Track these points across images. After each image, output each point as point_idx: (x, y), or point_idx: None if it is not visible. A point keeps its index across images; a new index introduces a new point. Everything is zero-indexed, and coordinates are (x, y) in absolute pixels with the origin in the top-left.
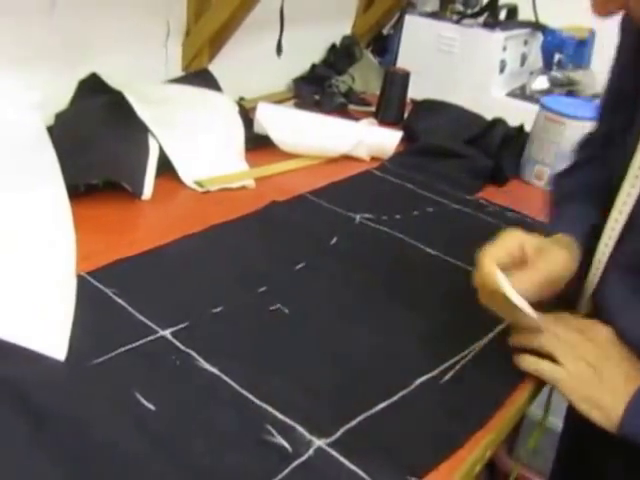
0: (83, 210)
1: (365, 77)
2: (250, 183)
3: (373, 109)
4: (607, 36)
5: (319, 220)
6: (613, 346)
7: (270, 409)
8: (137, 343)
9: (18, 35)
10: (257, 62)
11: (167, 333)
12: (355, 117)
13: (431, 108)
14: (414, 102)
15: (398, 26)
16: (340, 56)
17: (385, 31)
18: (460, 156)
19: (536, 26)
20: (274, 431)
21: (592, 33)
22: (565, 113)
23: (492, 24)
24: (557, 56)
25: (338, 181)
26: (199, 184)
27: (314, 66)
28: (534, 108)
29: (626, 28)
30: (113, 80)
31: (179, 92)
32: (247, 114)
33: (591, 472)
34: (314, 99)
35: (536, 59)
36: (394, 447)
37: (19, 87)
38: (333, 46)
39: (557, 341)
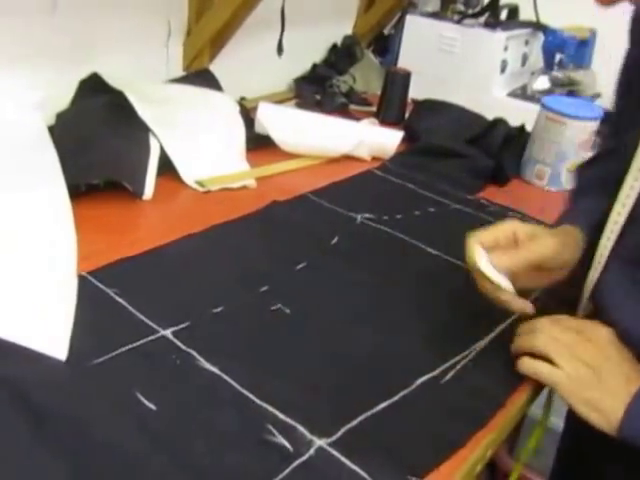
0: (84, 210)
1: (366, 77)
2: (251, 183)
3: (374, 109)
4: (608, 36)
5: (320, 220)
6: (612, 346)
7: (271, 409)
8: (138, 343)
9: (19, 35)
10: (258, 62)
11: (168, 333)
12: (356, 117)
13: (432, 108)
14: (415, 102)
15: (399, 26)
16: (341, 56)
17: (386, 31)
18: (461, 156)
19: (537, 26)
20: (275, 431)
21: (593, 33)
22: (566, 113)
23: (493, 24)
24: (558, 56)
25: (339, 181)
26: (200, 184)
27: (315, 66)
28: (535, 108)
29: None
30: (114, 80)
31: (180, 92)
32: (248, 114)
33: (591, 472)
34: (315, 99)
35: (537, 59)
36: (395, 447)
37: (20, 87)
38: (334, 46)
39: (555, 343)
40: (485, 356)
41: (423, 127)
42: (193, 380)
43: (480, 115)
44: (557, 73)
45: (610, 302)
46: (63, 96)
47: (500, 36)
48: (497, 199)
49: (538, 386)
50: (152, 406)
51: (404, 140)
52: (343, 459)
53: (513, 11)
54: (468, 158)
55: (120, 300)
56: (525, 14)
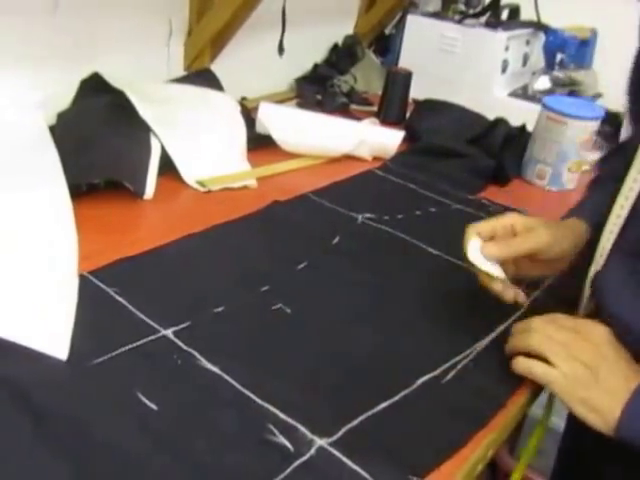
0: (85, 209)
1: (367, 77)
2: (252, 183)
3: (375, 109)
4: (609, 36)
5: (321, 220)
6: (609, 345)
7: (272, 408)
8: (139, 342)
9: (20, 35)
10: (259, 62)
11: (169, 332)
12: (357, 117)
13: (433, 108)
14: (416, 102)
15: (400, 26)
16: (342, 56)
17: (387, 31)
18: (462, 156)
19: (538, 26)
20: (276, 430)
21: (594, 33)
22: (567, 113)
23: (494, 24)
24: (559, 56)
25: (340, 181)
26: (201, 184)
27: (316, 66)
28: (536, 108)
29: None
30: (115, 80)
31: (181, 92)
32: (249, 114)
33: (592, 472)
34: (316, 99)
35: (538, 59)
36: (396, 447)
37: (21, 86)
38: (335, 46)
39: (550, 342)
40: (486, 356)
41: (424, 127)
42: (194, 380)
43: (481, 115)
44: (558, 73)
45: (608, 294)
46: (64, 96)
47: (501, 36)
48: (498, 199)
49: (539, 386)
50: (153, 406)
51: (405, 140)
52: (344, 459)
53: (514, 11)
54: (469, 158)
55: (121, 300)
56: (526, 14)
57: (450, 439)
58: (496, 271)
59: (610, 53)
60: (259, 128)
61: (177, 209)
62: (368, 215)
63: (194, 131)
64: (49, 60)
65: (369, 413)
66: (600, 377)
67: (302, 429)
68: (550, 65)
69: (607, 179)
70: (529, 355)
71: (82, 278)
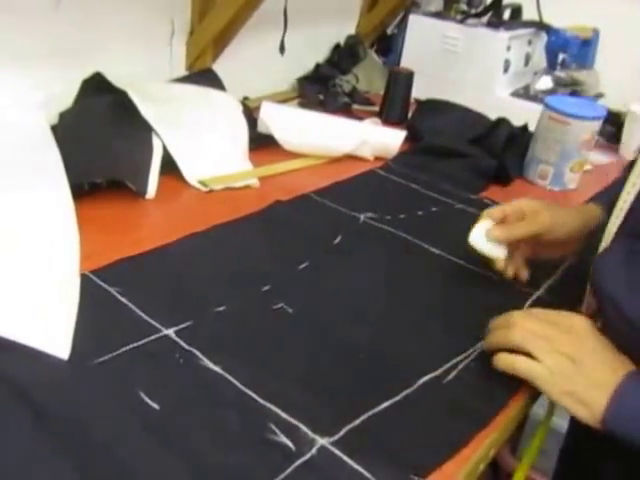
0: (87, 209)
1: (369, 77)
2: (254, 182)
3: (377, 109)
4: (611, 36)
5: (323, 220)
6: (591, 336)
7: (273, 408)
8: (140, 342)
9: (22, 34)
10: (261, 61)
11: (171, 332)
12: (359, 117)
13: (435, 108)
14: (418, 102)
15: (402, 26)
16: (344, 56)
17: (389, 31)
18: (464, 156)
19: (540, 26)
20: (277, 430)
21: (596, 33)
22: (569, 113)
23: (496, 24)
24: (561, 56)
25: (342, 181)
26: (203, 183)
27: (318, 66)
28: (538, 108)
29: None
30: (117, 79)
31: (183, 91)
32: (251, 113)
33: (594, 472)
34: (318, 99)
35: (540, 59)
36: (397, 446)
37: (23, 86)
38: (337, 46)
39: (531, 336)
40: (487, 356)
41: (426, 127)
42: (196, 379)
43: (483, 115)
44: (560, 73)
45: (605, 274)
46: (66, 95)
47: (503, 36)
48: (500, 199)
49: None
50: (155, 405)
51: (407, 140)
52: (345, 458)
53: (516, 11)
54: (471, 158)
55: (123, 299)
56: (528, 14)
57: (452, 439)
58: (497, 252)
59: (612, 53)
60: (261, 128)
61: (179, 209)
62: (370, 215)
63: (196, 131)
64: (51, 59)
65: (370, 413)
66: (585, 369)
67: (303, 428)
68: (552, 65)
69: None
70: (511, 351)
71: (84, 277)
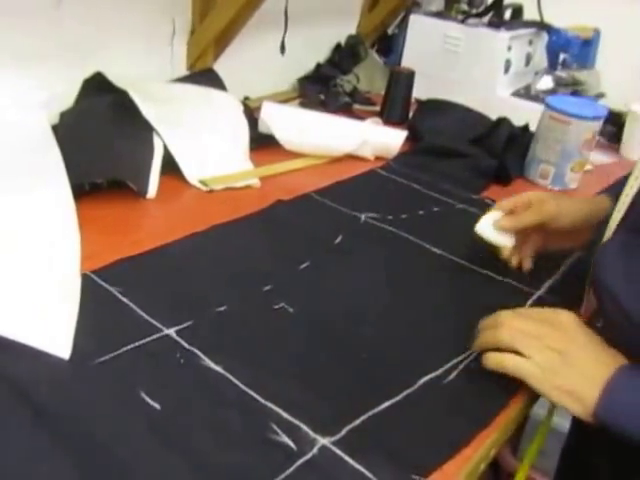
0: (87, 209)
1: (370, 77)
2: (255, 182)
3: (378, 109)
4: (612, 36)
5: (324, 219)
6: (578, 330)
7: (274, 408)
8: (141, 342)
9: (23, 34)
10: (262, 61)
11: (171, 332)
12: (360, 117)
13: (436, 108)
14: (419, 102)
15: (403, 26)
16: (345, 56)
17: (390, 31)
18: (465, 156)
19: (541, 26)
20: (278, 430)
21: (597, 33)
22: (570, 112)
23: (497, 24)
24: (562, 56)
25: (343, 180)
26: (204, 183)
27: (319, 65)
28: (539, 108)
29: None
30: (118, 79)
31: (184, 91)
32: (252, 113)
33: (595, 472)
34: (319, 98)
35: (541, 59)
36: (398, 446)
37: (24, 86)
38: (338, 46)
39: (519, 334)
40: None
41: (427, 127)
42: (197, 379)
43: (484, 115)
44: (561, 73)
45: (604, 266)
46: (67, 95)
47: (504, 36)
48: (501, 199)
49: None
50: (156, 405)
51: (408, 140)
52: (346, 458)
53: (517, 11)
54: (472, 158)
55: (123, 299)
56: (529, 14)
57: (452, 438)
58: (503, 240)
59: (613, 53)
60: (262, 128)
61: (180, 209)
62: (371, 215)
63: (197, 131)
64: (52, 59)
65: (371, 412)
66: (574, 363)
67: (305, 428)
68: (553, 65)
69: None
70: (500, 350)
71: (85, 277)
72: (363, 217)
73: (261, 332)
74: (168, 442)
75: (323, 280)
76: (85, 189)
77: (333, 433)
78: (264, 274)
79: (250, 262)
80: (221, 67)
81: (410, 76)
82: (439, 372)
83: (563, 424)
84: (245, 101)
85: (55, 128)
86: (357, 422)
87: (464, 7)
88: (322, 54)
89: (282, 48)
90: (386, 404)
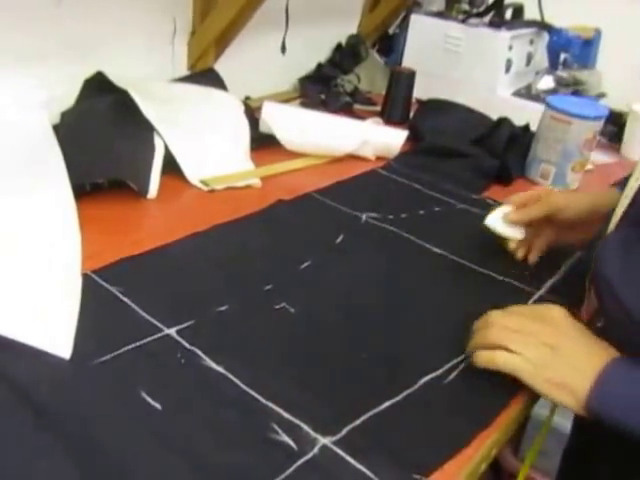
0: (88, 209)
1: (371, 76)
2: (256, 182)
3: (379, 108)
4: (613, 36)
5: (325, 219)
6: (570, 324)
7: (275, 407)
8: (142, 341)
9: (24, 33)
10: (263, 61)
11: (172, 331)
12: (361, 116)
13: (437, 107)
14: (420, 102)
15: (404, 25)
16: (346, 55)
17: (391, 30)
18: (466, 155)
19: (542, 25)
20: (279, 429)
21: (598, 33)
22: (571, 112)
23: (498, 23)
24: (563, 56)
25: (344, 180)
26: (205, 183)
27: (320, 65)
28: (540, 108)
29: None
30: (119, 79)
31: (185, 91)
32: (253, 113)
33: (597, 472)
34: (320, 98)
35: (542, 59)
36: (399, 446)
37: (25, 85)
38: (339, 45)
39: (507, 331)
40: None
41: (428, 127)
42: (198, 379)
43: (485, 115)
44: (562, 73)
45: (604, 259)
46: (68, 95)
47: (505, 35)
48: (502, 199)
49: None
50: (157, 405)
51: (409, 140)
52: (347, 458)
53: (518, 10)
54: (473, 158)
55: (124, 299)
56: (530, 13)
57: (453, 438)
58: (510, 233)
59: (614, 53)
60: (263, 127)
61: (181, 208)
62: (372, 214)
63: (198, 130)
64: (53, 59)
65: (372, 412)
66: (565, 356)
67: (305, 428)
68: (554, 65)
69: None
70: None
71: (85, 277)
72: (364, 217)
73: (262, 332)
74: (169, 442)
75: (324, 280)
76: (86, 189)
77: (334, 433)
78: (265, 274)
79: (251, 262)
80: (222, 67)
81: (411, 76)
82: (440, 372)
83: (565, 424)
84: (246, 101)
85: (56, 128)
86: (358, 422)
87: (465, 7)
88: (323, 54)
89: (283, 48)
90: (387, 404)
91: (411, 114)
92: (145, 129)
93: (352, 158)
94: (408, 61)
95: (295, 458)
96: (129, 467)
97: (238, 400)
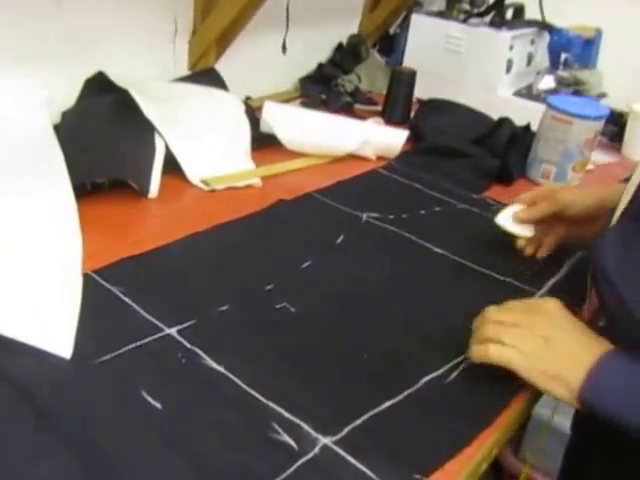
0: (89, 209)
1: (371, 76)
2: (256, 182)
3: (379, 108)
4: (614, 36)
5: (325, 219)
6: (564, 316)
7: (276, 407)
8: (143, 341)
9: (25, 32)
10: (264, 61)
11: (173, 331)
12: (361, 116)
13: (437, 107)
14: (420, 101)
15: (404, 25)
16: (346, 55)
17: (392, 30)
18: (466, 155)
19: (543, 25)
20: (280, 429)
21: (599, 32)
22: (571, 112)
23: (499, 23)
24: (564, 55)
25: (344, 180)
26: (205, 183)
27: (320, 65)
28: (540, 108)
29: None
30: (120, 78)
31: (185, 91)
32: (253, 113)
33: (599, 472)
34: (320, 98)
35: (543, 58)
36: (400, 445)
37: (25, 85)
38: (340, 45)
39: (501, 326)
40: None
41: (428, 126)
42: (198, 378)
43: (485, 115)
44: (563, 73)
45: (603, 252)
46: (69, 94)
47: (505, 35)
48: (503, 198)
49: None
50: (157, 405)
51: (409, 139)
52: (348, 457)
53: (519, 10)
54: (473, 157)
55: (125, 299)
56: (531, 13)
57: (454, 438)
58: (522, 231)
59: (615, 53)
60: (263, 127)
61: (181, 208)
62: (373, 214)
63: (198, 130)
64: (54, 58)
65: (373, 412)
66: (559, 347)
67: (306, 428)
68: (554, 65)
69: None
70: None
71: (86, 277)
72: (365, 217)
73: (263, 331)
74: (169, 441)
75: (324, 280)
76: (87, 189)
77: (334, 432)
78: (265, 274)
79: (252, 262)
80: (223, 67)
81: (412, 76)
82: (440, 372)
83: (566, 425)
84: (247, 101)
85: (57, 128)
86: (358, 422)
87: (466, 7)
88: (324, 54)
89: (284, 48)
90: (387, 404)
91: (412, 114)
92: (146, 129)
93: (353, 158)
94: (409, 61)
95: (296, 458)
96: (129, 466)
97: (239, 400)
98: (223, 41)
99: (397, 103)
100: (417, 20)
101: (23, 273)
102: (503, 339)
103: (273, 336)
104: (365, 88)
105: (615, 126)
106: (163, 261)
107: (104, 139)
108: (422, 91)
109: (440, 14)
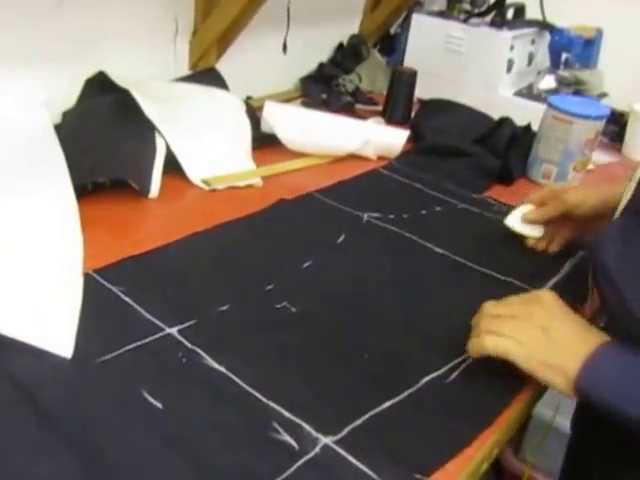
0: (90, 209)
1: (372, 76)
2: (257, 182)
3: (380, 108)
4: (614, 36)
5: (326, 219)
6: (560, 307)
7: (277, 407)
8: (144, 341)
9: (25, 33)
10: (264, 61)
11: (174, 331)
12: (362, 116)
13: (438, 107)
14: (421, 101)
15: (405, 25)
16: (347, 55)
17: (392, 30)
18: (467, 155)
19: (543, 25)
20: (280, 429)
21: (599, 32)
22: (572, 112)
23: (499, 23)
24: (564, 55)
25: (345, 180)
26: (206, 182)
27: (321, 65)
28: (541, 107)
29: None
30: (120, 78)
31: (186, 90)
32: (254, 113)
33: (600, 472)
34: (321, 98)
35: (543, 58)
36: (400, 445)
37: (26, 85)
38: (340, 45)
39: (498, 319)
40: (489, 355)
41: (429, 126)
42: (199, 378)
43: (486, 115)
44: (563, 72)
45: (604, 247)
46: (69, 94)
47: (506, 35)
48: (503, 198)
49: (543, 385)
50: (158, 404)
51: (410, 139)
52: (349, 457)
53: (519, 10)
54: (474, 157)
55: (126, 298)
56: (531, 13)
57: (455, 438)
58: (531, 231)
59: (615, 53)
60: (264, 127)
61: (182, 208)
62: (373, 214)
63: (199, 130)
64: (54, 58)
65: (373, 412)
66: (556, 337)
67: (307, 427)
68: (555, 64)
69: None
70: None
71: (87, 277)
72: (365, 216)
73: (263, 331)
74: (170, 441)
75: (325, 279)
76: (88, 189)
77: (335, 432)
78: (266, 273)
79: (252, 261)
80: (223, 66)
81: (412, 76)
82: (441, 372)
83: (567, 425)
84: (247, 101)
85: (57, 128)
86: (359, 421)
87: (466, 7)
88: (324, 54)
89: (284, 48)
90: (388, 404)
91: (412, 114)
92: (147, 129)
93: (353, 158)
94: (409, 61)
95: (296, 457)
96: (129, 466)
97: (239, 399)
98: (224, 41)
99: (398, 103)
100: (418, 20)
101: (24, 273)
102: (501, 331)
103: (274, 336)
104: (366, 88)
105: (616, 126)
106: (164, 261)
107: (105, 139)
108: (423, 91)
109: (441, 14)
